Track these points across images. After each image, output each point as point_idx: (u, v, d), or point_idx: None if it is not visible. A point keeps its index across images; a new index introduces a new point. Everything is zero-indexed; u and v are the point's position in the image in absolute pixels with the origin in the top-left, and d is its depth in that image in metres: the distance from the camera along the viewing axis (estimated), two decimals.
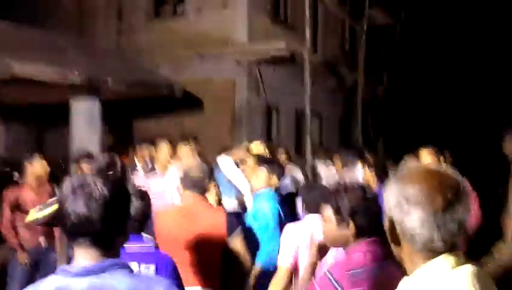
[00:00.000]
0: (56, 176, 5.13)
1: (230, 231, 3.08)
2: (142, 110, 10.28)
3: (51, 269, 4.57)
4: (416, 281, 1.26)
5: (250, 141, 9.17)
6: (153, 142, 5.20)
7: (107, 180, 1.57)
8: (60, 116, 8.21)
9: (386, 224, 1.31)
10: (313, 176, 6.67)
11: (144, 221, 2.52)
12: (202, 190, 3.18)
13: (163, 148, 4.87)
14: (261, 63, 10.09)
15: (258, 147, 5.21)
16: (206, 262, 3.01)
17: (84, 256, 1.50)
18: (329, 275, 2.03)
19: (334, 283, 1.96)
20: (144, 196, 2.56)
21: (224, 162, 4.97)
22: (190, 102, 9.86)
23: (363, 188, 2.25)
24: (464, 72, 17.65)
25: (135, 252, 2.29)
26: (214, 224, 3.06)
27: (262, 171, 3.96)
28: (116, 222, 1.56)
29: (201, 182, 3.17)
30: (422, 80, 14.87)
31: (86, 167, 4.82)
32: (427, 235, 1.22)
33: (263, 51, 9.85)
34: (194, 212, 3.09)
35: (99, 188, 1.52)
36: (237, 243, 3.11)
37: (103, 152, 8.23)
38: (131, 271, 1.54)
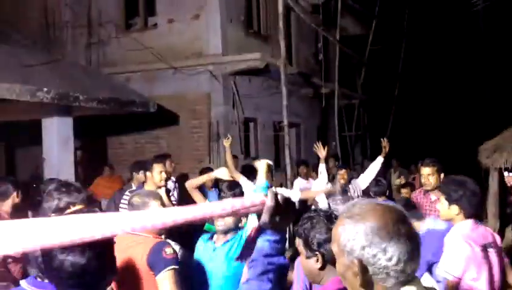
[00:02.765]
0: (28, 198, 4.85)
1: (161, 264, 2.58)
2: (115, 126, 10.00)
3: None
4: None
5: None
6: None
7: None
8: (31, 135, 7.90)
9: (354, 269, 1.25)
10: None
11: None
12: None
13: (156, 169, 4.70)
14: (236, 75, 9.96)
15: None
16: None
17: None
18: None
19: None
20: None
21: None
22: (165, 117, 9.65)
23: (330, 217, 2.15)
24: (437, 76, 17.99)
25: None
26: (132, 255, 2.61)
27: None
28: (109, 270, 1.44)
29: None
30: (395, 87, 15.04)
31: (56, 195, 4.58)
32: (402, 268, 1.23)
33: (238, 62, 9.73)
34: (120, 240, 2.77)
35: None
36: (163, 284, 2.55)
37: (76, 171, 7.97)
38: None
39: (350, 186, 6.36)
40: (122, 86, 9.57)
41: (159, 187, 4.63)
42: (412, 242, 1.25)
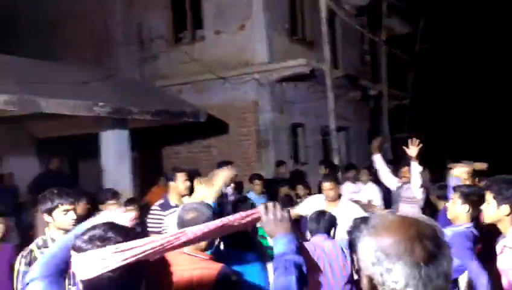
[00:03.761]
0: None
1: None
2: (169, 137, 10.40)
3: None
4: None
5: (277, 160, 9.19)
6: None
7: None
8: (91, 148, 8.38)
9: (365, 283, 1.19)
10: None
11: None
12: None
13: (180, 178, 4.65)
14: (282, 81, 10.11)
15: None
16: None
17: None
18: None
19: None
20: None
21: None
22: (215, 126, 9.93)
23: None
24: (493, 73, 17.30)
25: None
26: (201, 279, 2.38)
27: None
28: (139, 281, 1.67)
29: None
30: (448, 86, 14.64)
31: (112, 206, 4.89)
32: None
33: (283, 69, 9.88)
34: (180, 263, 2.42)
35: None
36: None
37: (134, 182, 8.36)
38: None
39: (407, 185, 5.99)
40: (174, 97, 9.95)
41: (183, 196, 4.58)
42: (431, 266, 1.10)
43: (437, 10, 13.85)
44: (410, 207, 5.75)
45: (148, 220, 4.56)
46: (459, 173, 4.16)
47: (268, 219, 1.71)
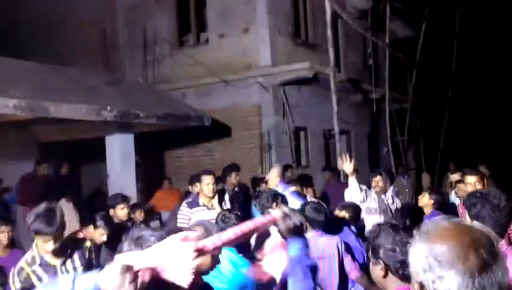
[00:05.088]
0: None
1: None
2: (172, 140, 10.41)
3: None
4: None
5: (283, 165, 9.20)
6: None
7: None
8: (94, 152, 8.38)
9: (416, 289, 1.16)
10: None
11: None
12: None
13: (207, 180, 4.97)
14: (285, 85, 10.15)
15: None
16: None
17: None
18: None
19: None
20: None
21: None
22: (218, 129, 9.96)
23: (396, 227, 2.19)
24: (493, 76, 17.39)
25: None
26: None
27: None
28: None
29: None
30: (449, 89, 14.70)
31: (122, 210, 4.97)
32: None
33: (287, 73, 9.92)
34: None
35: None
36: None
37: (138, 185, 8.39)
38: None
39: (387, 194, 5.96)
40: (178, 101, 9.97)
41: (209, 197, 4.96)
42: (485, 275, 1.06)
43: (439, 13, 13.91)
44: (370, 217, 5.57)
45: (178, 217, 5.00)
46: (473, 180, 4.05)
47: (284, 223, 1.82)
